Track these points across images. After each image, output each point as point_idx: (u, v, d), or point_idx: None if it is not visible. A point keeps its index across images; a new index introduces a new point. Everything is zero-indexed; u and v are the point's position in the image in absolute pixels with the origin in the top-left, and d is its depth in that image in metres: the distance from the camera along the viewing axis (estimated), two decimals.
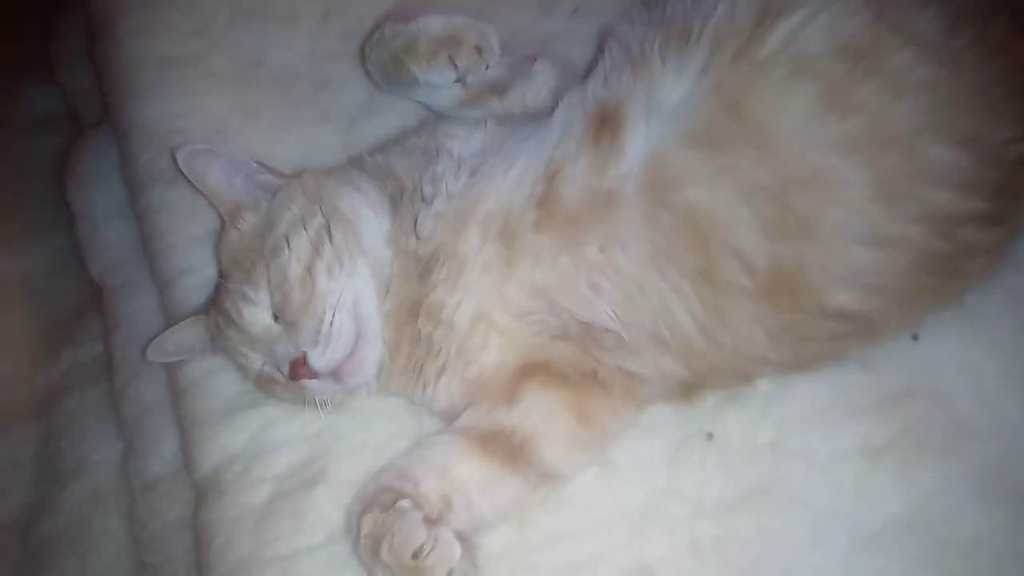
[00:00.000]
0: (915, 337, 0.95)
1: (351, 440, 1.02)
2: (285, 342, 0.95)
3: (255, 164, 1.06)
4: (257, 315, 0.97)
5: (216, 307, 1.03)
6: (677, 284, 0.87)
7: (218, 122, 1.25)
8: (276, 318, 0.97)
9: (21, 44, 1.74)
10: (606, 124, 0.89)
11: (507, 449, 0.91)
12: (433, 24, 1.04)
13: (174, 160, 1.04)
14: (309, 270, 0.95)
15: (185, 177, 1.04)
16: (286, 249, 0.96)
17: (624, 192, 0.87)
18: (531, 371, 0.94)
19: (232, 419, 1.05)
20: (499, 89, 1.09)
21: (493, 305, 0.94)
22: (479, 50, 1.05)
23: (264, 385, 1.03)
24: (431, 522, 0.83)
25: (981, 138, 0.86)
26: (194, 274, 1.16)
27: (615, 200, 0.87)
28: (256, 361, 1.01)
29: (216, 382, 1.09)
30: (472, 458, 0.90)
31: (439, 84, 1.08)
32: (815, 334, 0.91)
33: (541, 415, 0.92)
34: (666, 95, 0.88)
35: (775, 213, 0.84)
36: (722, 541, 0.86)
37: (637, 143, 0.88)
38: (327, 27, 1.38)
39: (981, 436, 0.86)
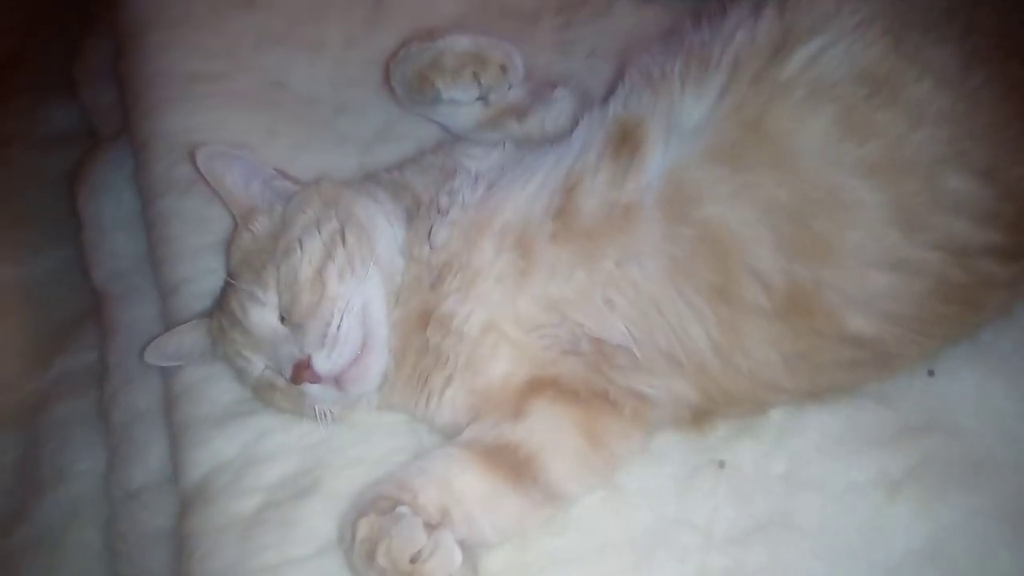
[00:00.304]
0: (931, 373, 0.93)
1: (348, 454, 0.98)
2: (290, 344, 0.93)
3: (273, 170, 1.07)
4: (264, 316, 0.95)
5: (221, 309, 1.01)
6: (693, 301, 0.86)
7: (238, 138, 1.26)
8: (283, 320, 0.95)
9: (45, 63, 1.77)
10: (625, 140, 0.90)
11: (511, 464, 0.87)
12: (460, 42, 1.07)
13: (193, 160, 1.04)
14: (320, 272, 0.94)
15: (202, 177, 1.04)
16: (298, 251, 0.95)
17: (643, 206, 0.87)
18: (540, 386, 0.92)
19: (226, 426, 1.02)
20: (519, 112, 1.11)
21: (505, 316, 0.92)
22: (504, 69, 1.07)
23: (263, 392, 1.00)
24: (431, 527, 0.79)
25: (998, 172, 0.86)
26: (199, 282, 1.15)
27: (634, 214, 0.87)
28: (258, 365, 0.98)
29: (213, 388, 1.06)
30: (475, 471, 0.87)
31: (462, 101, 1.09)
32: (831, 361, 0.89)
33: (548, 431, 0.89)
34: (686, 115, 0.89)
35: (793, 233, 0.84)
36: (733, 572, 0.82)
37: (656, 159, 0.88)
38: (350, 55, 1.41)
39: (1003, 470, 0.83)
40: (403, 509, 0.81)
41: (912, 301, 0.86)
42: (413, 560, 0.76)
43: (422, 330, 0.95)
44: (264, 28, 1.41)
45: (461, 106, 1.10)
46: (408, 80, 1.10)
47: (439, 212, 0.97)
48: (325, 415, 0.96)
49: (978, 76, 0.89)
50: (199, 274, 1.16)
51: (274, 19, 1.42)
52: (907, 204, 0.84)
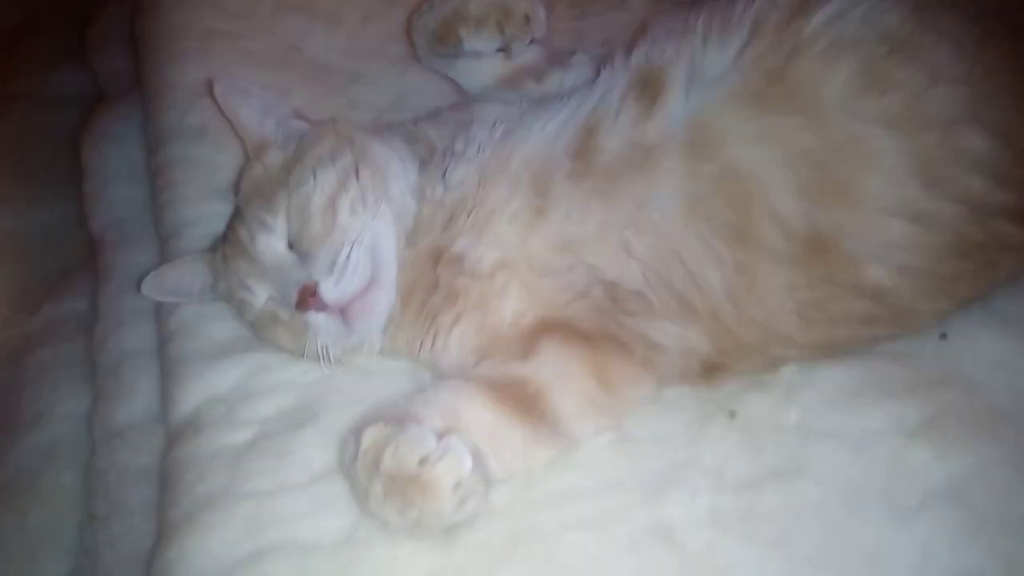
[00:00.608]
0: (944, 336, 0.92)
1: (348, 394, 0.95)
2: (297, 270, 0.91)
3: (290, 109, 1.06)
4: (272, 242, 0.94)
5: (226, 240, 1.00)
6: (712, 243, 0.86)
7: None
8: (291, 247, 0.93)
9: (59, 33, 1.78)
10: (648, 86, 0.90)
11: (519, 399, 0.85)
12: None
13: (210, 89, 1.03)
14: (332, 202, 0.93)
15: (218, 107, 1.03)
16: (312, 180, 0.94)
17: (665, 147, 0.87)
18: (550, 327, 0.90)
19: (222, 361, 0.99)
20: (537, 73, 1.12)
21: (517, 256, 0.91)
22: (527, 19, 1.08)
23: (264, 327, 0.97)
24: (440, 436, 0.76)
25: (1013, 136, 0.87)
26: (202, 226, 1.13)
27: (655, 155, 0.87)
28: (261, 296, 0.96)
29: (210, 326, 1.03)
30: (482, 402, 0.84)
31: (483, 52, 1.10)
32: (845, 314, 0.88)
33: (558, 369, 0.87)
34: (708, 65, 0.90)
35: (815, 177, 0.84)
36: (746, 516, 0.80)
37: (678, 104, 0.89)
38: (366, 28, 1.43)
39: (1021, 423, 0.81)
40: (411, 423, 0.78)
41: (930, 254, 0.86)
42: (421, 463, 0.73)
43: (432, 269, 0.94)
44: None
45: (481, 60, 1.11)
46: (431, 31, 1.11)
47: (455, 155, 0.97)
48: (327, 354, 0.94)
49: (992, 51, 0.90)
50: (203, 218, 1.14)
51: None
52: (926, 156, 0.85)
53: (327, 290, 0.89)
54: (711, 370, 0.92)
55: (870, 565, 0.74)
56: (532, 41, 1.08)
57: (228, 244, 0.99)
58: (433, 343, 0.93)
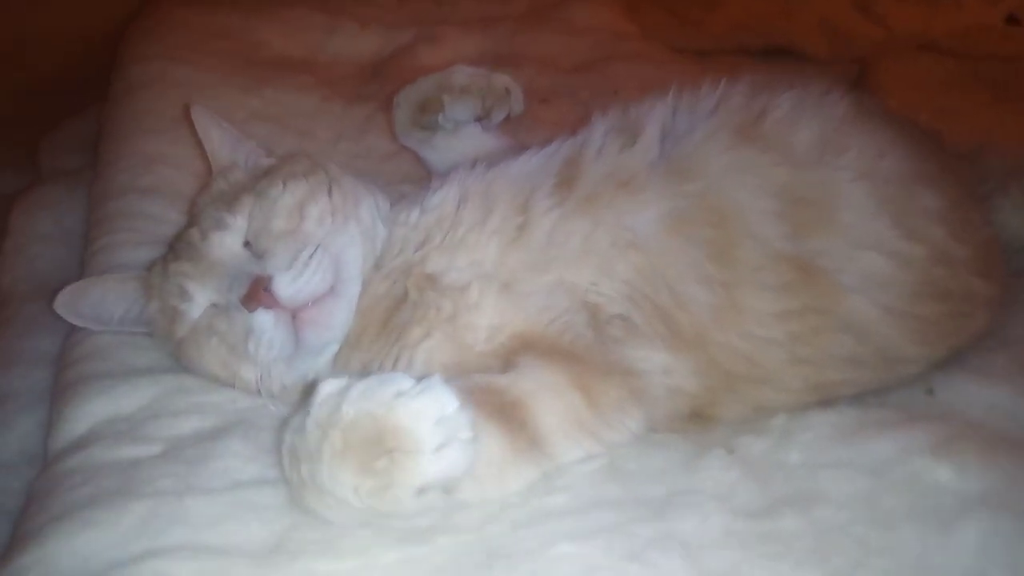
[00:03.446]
0: (930, 392, 0.88)
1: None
2: (251, 264, 0.82)
3: (262, 149, 1.04)
4: (226, 239, 0.85)
5: (166, 253, 0.90)
6: (696, 261, 0.83)
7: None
8: (248, 246, 0.85)
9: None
10: (626, 130, 0.94)
11: (497, 405, 0.73)
12: (467, 69, 1.14)
13: (187, 111, 1.01)
14: (301, 207, 0.87)
15: (191, 127, 1.00)
16: (281, 185, 0.89)
17: (648, 172, 0.88)
18: (530, 344, 0.81)
19: (131, 380, 0.84)
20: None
21: (494, 273, 0.85)
22: (508, 91, 1.13)
23: (195, 343, 0.85)
24: None
25: (961, 202, 0.94)
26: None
27: (638, 177, 0.88)
28: (200, 302, 0.85)
29: (126, 352, 0.89)
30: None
31: (463, 120, 1.13)
32: (832, 353, 0.85)
33: (540, 380, 0.77)
34: (679, 122, 0.95)
35: (792, 206, 0.85)
36: (767, 539, 0.67)
37: (655, 145, 0.92)
38: (336, 147, 1.45)
39: None
40: None
41: (908, 293, 0.86)
42: (397, 395, 0.59)
43: (401, 285, 0.86)
44: (259, 110, 1.47)
45: (457, 135, 1.14)
46: (415, 103, 1.14)
47: (432, 186, 0.95)
48: (267, 375, 0.81)
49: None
50: (139, 265, 1.03)
51: (269, 106, 1.49)
52: (890, 204, 0.88)
53: (282, 285, 0.80)
54: (698, 417, 0.85)
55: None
56: (507, 117, 1.13)
57: (170, 251, 0.89)
58: (396, 361, 0.82)
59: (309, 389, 0.82)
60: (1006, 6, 2.03)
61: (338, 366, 0.86)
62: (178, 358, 0.87)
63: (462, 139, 1.15)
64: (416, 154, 1.21)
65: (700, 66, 1.69)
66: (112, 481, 0.67)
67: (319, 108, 1.51)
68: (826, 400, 0.86)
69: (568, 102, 1.51)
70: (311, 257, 0.82)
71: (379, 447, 0.59)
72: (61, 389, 0.84)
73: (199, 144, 1.13)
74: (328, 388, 0.63)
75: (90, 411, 0.79)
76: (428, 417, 0.61)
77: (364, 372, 0.82)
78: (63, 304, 0.89)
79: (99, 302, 0.90)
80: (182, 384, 0.83)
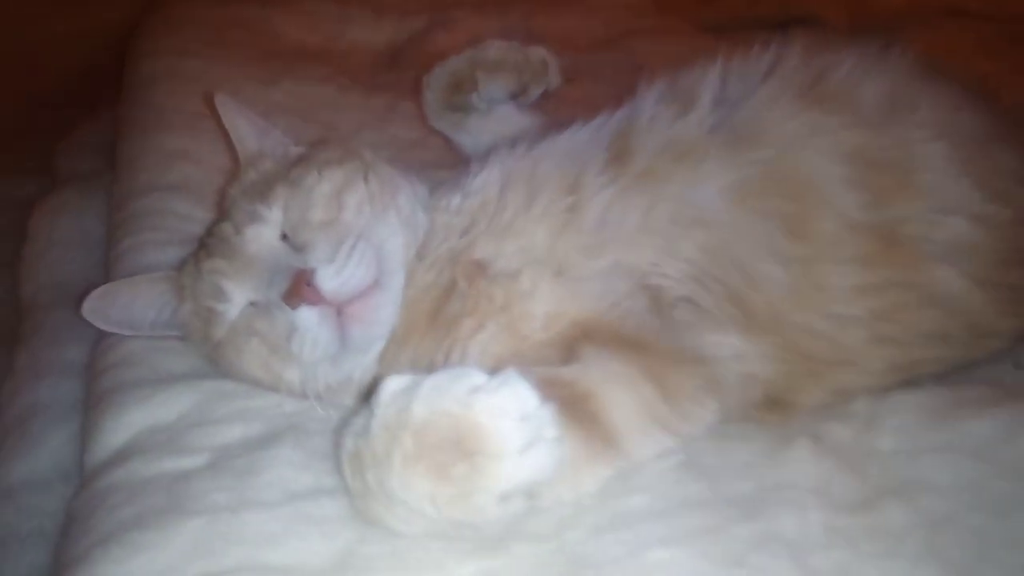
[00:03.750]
0: (1019, 365, 0.82)
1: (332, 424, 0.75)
2: (292, 258, 0.77)
3: (289, 139, 0.98)
4: (262, 233, 0.80)
5: (198, 251, 0.85)
6: (768, 236, 0.77)
7: None
8: (285, 238, 0.80)
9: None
10: (677, 99, 0.87)
11: (566, 398, 0.67)
12: (500, 43, 1.07)
13: (210, 99, 0.95)
14: (339, 195, 0.82)
15: (216, 117, 0.95)
16: (316, 174, 0.83)
17: (707, 140, 0.82)
18: (592, 333, 0.75)
19: (170, 387, 0.78)
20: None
21: (546, 258, 0.79)
22: (545, 63, 1.07)
23: (234, 346, 0.79)
24: None
25: None
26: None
27: (698, 147, 0.81)
28: (238, 301, 0.79)
29: (160, 357, 0.84)
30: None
31: (498, 99, 1.07)
32: (918, 329, 0.79)
33: (609, 370, 0.71)
34: (732, 88, 0.88)
35: (868, 171, 0.79)
36: (874, 534, 0.61)
37: (710, 111, 0.85)
38: (360, 135, 1.41)
39: None
40: None
41: (994, 262, 0.80)
42: (472, 392, 0.54)
43: (448, 275, 0.81)
44: (280, 102, 1.42)
45: (493, 113, 1.08)
46: (446, 85, 1.08)
47: (474, 169, 0.89)
48: (313, 376, 0.76)
49: None
50: (167, 266, 0.99)
51: (289, 98, 1.44)
52: (971, 163, 0.82)
53: (325, 278, 0.74)
54: (774, 404, 0.78)
55: None
56: (544, 92, 1.07)
57: (202, 248, 0.84)
58: (448, 356, 0.77)
59: (364, 389, 0.78)
60: None
61: (384, 364, 0.80)
62: (215, 362, 0.82)
63: (497, 120, 1.09)
64: (448, 139, 1.15)
65: (721, 39, 1.63)
66: (158, 498, 0.62)
67: (338, 98, 1.45)
68: (908, 381, 0.80)
69: (592, 80, 1.45)
70: (353, 248, 0.77)
71: (457, 450, 0.53)
72: (95, 399, 0.79)
73: (221, 138, 1.10)
74: (393, 385, 0.57)
75: (127, 421, 0.74)
76: (510, 415, 0.55)
77: (413, 369, 0.77)
78: (91, 309, 0.84)
79: (129, 305, 0.85)
80: (222, 389, 0.78)
